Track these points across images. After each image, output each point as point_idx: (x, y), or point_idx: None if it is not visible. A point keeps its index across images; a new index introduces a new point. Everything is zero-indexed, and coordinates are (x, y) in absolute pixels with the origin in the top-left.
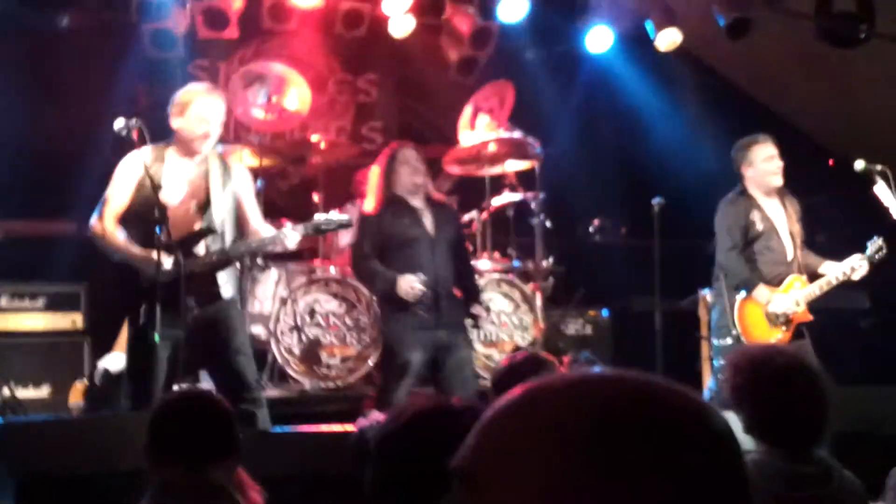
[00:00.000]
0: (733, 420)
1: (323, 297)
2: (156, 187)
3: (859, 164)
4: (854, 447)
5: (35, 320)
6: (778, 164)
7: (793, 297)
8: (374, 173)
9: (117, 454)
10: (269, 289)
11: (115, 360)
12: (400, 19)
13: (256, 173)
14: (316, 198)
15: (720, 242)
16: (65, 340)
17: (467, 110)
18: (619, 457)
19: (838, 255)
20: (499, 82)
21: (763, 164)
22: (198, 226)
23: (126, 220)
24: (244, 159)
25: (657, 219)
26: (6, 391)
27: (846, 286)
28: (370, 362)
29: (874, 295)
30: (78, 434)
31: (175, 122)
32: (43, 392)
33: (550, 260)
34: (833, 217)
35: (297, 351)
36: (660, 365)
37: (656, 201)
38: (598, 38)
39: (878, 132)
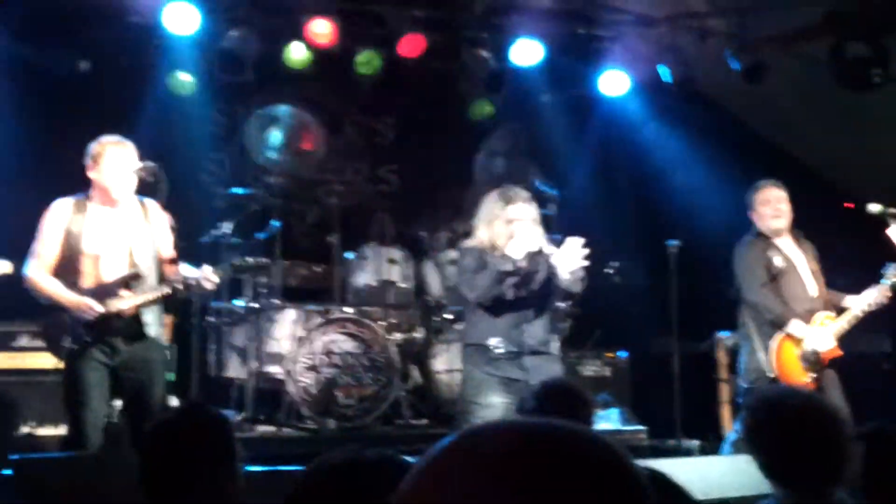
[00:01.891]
0: (751, 464)
1: (339, 338)
2: (77, 238)
3: (874, 207)
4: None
5: (53, 359)
6: (777, 209)
7: (825, 333)
8: None
9: (133, 491)
10: (286, 328)
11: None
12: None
13: (272, 215)
14: (332, 238)
15: (747, 282)
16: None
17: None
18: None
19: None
20: (511, 124)
21: (762, 207)
22: (123, 271)
23: (56, 269)
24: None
25: (674, 261)
26: (25, 429)
27: (868, 330)
28: (387, 402)
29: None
30: (92, 471)
31: (91, 174)
32: (61, 430)
33: (568, 302)
34: (849, 260)
35: (313, 391)
36: (677, 407)
37: (672, 244)
38: (614, 82)
39: (893, 175)
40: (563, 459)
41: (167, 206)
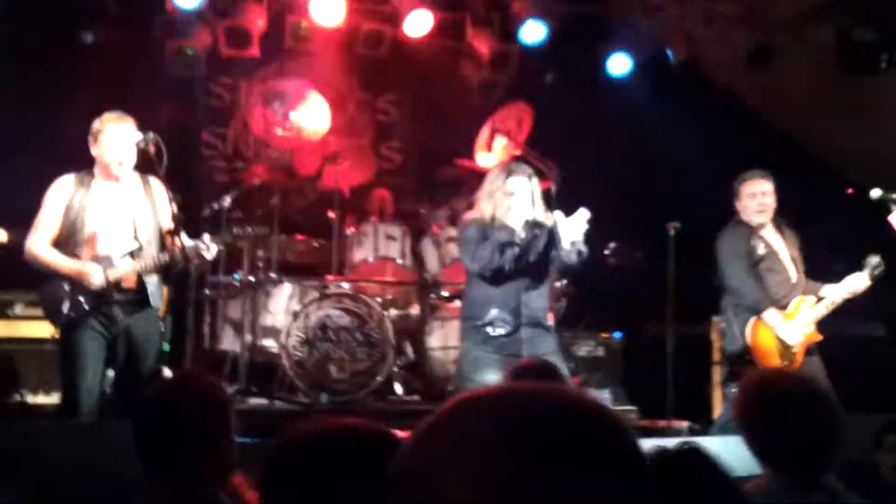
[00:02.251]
0: (741, 445)
1: (335, 313)
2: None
3: (876, 193)
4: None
5: (48, 328)
6: (762, 203)
7: (800, 321)
8: None
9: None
10: (281, 303)
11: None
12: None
13: (273, 190)
14: (332, 215)
15: (731, 267)
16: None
17: (485, 132)
18: (530, 465)
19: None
20: (517, 104)
21: (747, 199)
22: (125, 245)
23: (58, 242)
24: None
25: (672, 243)
26: (18, 397)
27: (861, 315)
28: (380, 378)
29: (889, 322)
30: (86, 440)
31: (92, 150)
32: (55, 399)
33: (564, 281)
34: (850, 245)
35: (307, 365)
36: (670, 389)
37: (672, 226)
38: (617, 64)
39: None
40: (554, 419)
41: (167, 179)
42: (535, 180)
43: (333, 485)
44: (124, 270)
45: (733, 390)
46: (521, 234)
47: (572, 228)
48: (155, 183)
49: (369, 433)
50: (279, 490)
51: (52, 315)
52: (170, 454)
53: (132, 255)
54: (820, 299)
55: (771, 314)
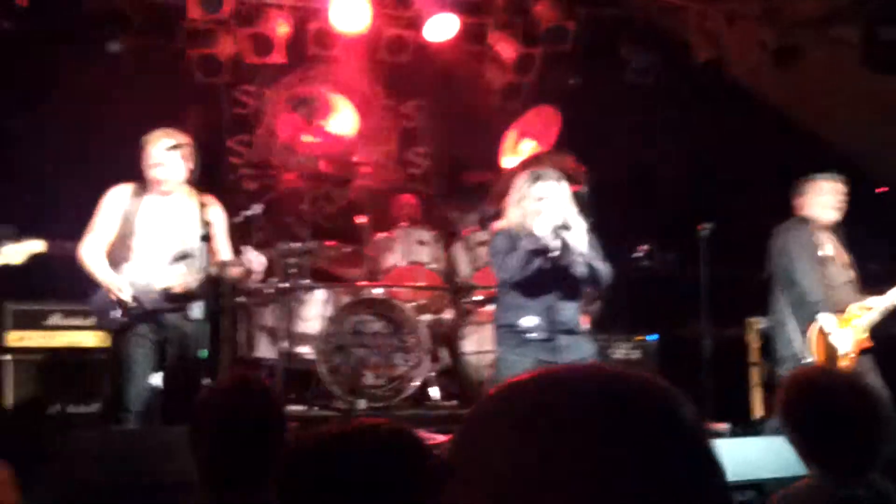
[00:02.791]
0: (785, 445)
1: (369, 318)
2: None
3: None
4: None
5: (85, 337)
6: (841, 202)
7: (853, 331)
8: None
9: (161, 467)
10: (315, 309)
11: (159, 377)
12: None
13: (302, 196)
14: (361, 220)
15: (797, 262)
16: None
17: (511, 135)
18: (582, 453)
19: (890, 283)
20: (543, 107)
21: (824, 197)
22: (174, 255)
23: (110, 248)
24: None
25: (705, 244)
26: (57, 407)
27: None
28: (415, 383)
29: None
30: (123, 446)
31: (143, 167)
32: (93, 408)
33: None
34: (881, 245)
35: (342, 371)
36: (707, 391)
37: (704, 227)
38: (641, 64)
39: None
40: (607, 399)
41: (197, 186)
42: (564, 183)
43: (351, 484)
44: (173, 279)
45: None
46: (549, 240)
47: (575, 241)
48: (210, 201)
49: (390, 433)
50: (294, 490)
51: (103, 322)
52: (225, 454)
53: (182, 264)
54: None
55: (828, 319)
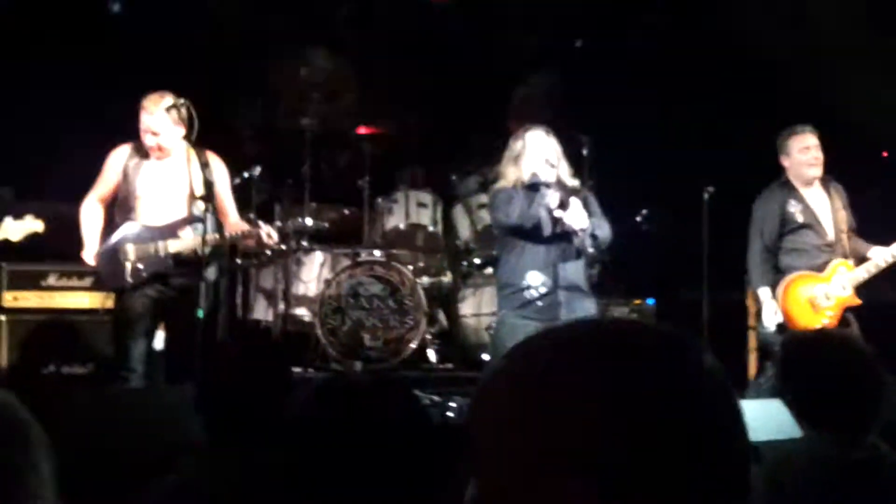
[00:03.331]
0: (781, 407)
1: (367, 280)
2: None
3: None
4: None
5: (81, 298)
6: (815, 156)
7: (837, 284)
8: None
9: (163, 427)
10: (313, 271)
11: (160, 339)
12: None
13: (304, 158)
14: (362, 182)
15: (750, 240)
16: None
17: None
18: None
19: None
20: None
21: (798, 154)
22: (182, 213)
23: (115, 205)
24: None
25: (707, 208)
26: (52, 368)
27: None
28: (413, 345)
29: None
30: (117, 408)
31: (141, 125)
32: (87, 369)
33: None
34: (885, 210)
35: (340, 333)
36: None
37: (706, 190)
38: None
39: None
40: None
41: (198, 144)
42: (552, 136)
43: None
44: (180, 244)
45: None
46: (543, 175)
47: (575, 218)
48: (212, 159)
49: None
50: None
51: (110, 282)
52: (233, 411)
53: (192, 228)
54: (863, 261)
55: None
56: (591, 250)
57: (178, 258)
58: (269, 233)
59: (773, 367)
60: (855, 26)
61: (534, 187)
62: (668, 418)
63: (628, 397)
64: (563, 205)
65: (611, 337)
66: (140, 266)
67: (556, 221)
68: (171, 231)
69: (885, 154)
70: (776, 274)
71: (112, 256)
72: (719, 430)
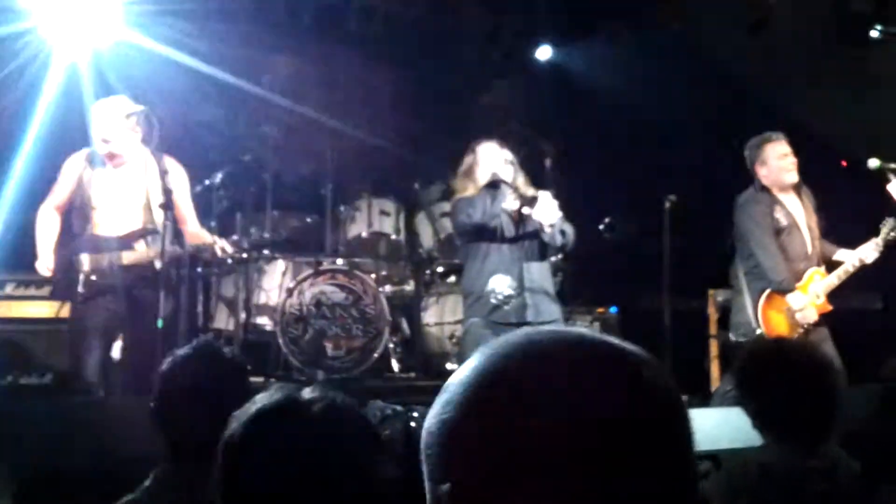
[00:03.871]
0: (741, 416)
1: (329, 289)
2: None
3: (873, 163)
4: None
5: (40, 308)
6: (791, 161)
7: (812, 294)
8: None
9: (121, 439)
10: (275, 280)
11: (117, 349)
12: None
13: (265, 166)
14: (324, 190)
15: (755, 240)
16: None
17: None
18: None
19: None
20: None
21: (777, 161)
22: (137, 224)
23: (70, 213)
24: None
25: (668, 216)
26: (9, 379)
27: (860, 287)
28: (376, 354)
29: (886, 295)
30: (81, 418)
31: (92, 134)
32: (46, 380)
33: (559, 256)
34: (849, 218)
35: (302, 342)
36: (668, 363)
37: (667, 198)
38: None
39: (892, 132)
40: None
41: (156, 151)
42: (506, 148)
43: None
44: (134, 255)
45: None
46: (501, 172)
47: (545, 212)
48: (172, 165)
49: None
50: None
51: (64, 292)
52: (190, 422)
53: (146, 240)
54: (833, 265)
55: (796, 297)
56: (559, 243)
57: (133, 269)
58: (223, 247)
59: (726, 376)
60: (816, 37)
61: (494, 185)
62: (620, 436)
63: (586, 415)
64: (532, 201)
65: (576, 353)
66: (94, 278)
67: (520, 221)
68: (126, 242)
69: (843, 163)
70: (761, 280)
71: (66, 267)
72: (669, 446)
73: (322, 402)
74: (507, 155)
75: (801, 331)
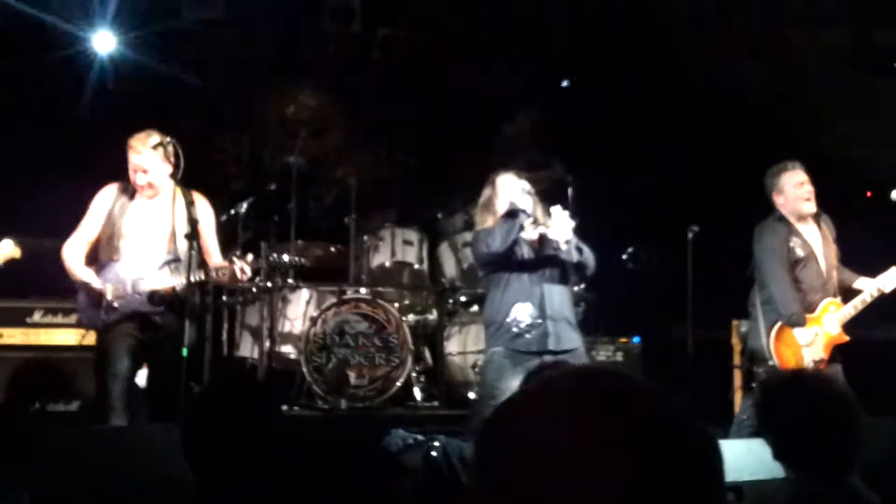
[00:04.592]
0: (764, 447)
1: (353, 318)
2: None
3: None
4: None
5: (67, 335)
6: (808, 190)
7: (827, 326)
8: None
9: (145, 466)
10: (299, 308)
11: (143, 377)
12: None
13: (290, 195)
14: (348, 219)
15: (768, 270)
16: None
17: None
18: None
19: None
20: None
21: (793, 190)
22: (162, 254)
23: (98, 247)
24: None
25: (691, 246)
26: (37, 406)
27: (883, 317)
28: (399, 383)
29: None
30: (107, 445)
31: (129, 164)
32: (73, 406)
33: (582, 286)
34: (870, 249)
35: (325, 371)
36: (690, 393)
37: (691, 229)
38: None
39: None
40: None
41: (184, 183)
42: (524, 179)
43: None
44: (159, 282)
45: (753, 386)
46: (519, 202)
47: (559, 228)
48: (198, 198)
49: None
50: None
51: (87, 320)
52: (220, 451)
53: (170, 268)
54: (850, 294)
55: (804, 332)
56: (576, 259)
57: (156, 297)
58: (241, 268)
59: (744, 404)
60: (837, 67)
61: (512, 214)
62: (648, 472)
63: (616, 449)
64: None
65: (601, 392)
66: (115, 305)
67: (541, 243)
68: (149, 270)
69: (868, 194)
70: (774, 312)
71: (88, 294)
72: (695, 484)
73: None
74: (525, 185)
75: (811, 365)
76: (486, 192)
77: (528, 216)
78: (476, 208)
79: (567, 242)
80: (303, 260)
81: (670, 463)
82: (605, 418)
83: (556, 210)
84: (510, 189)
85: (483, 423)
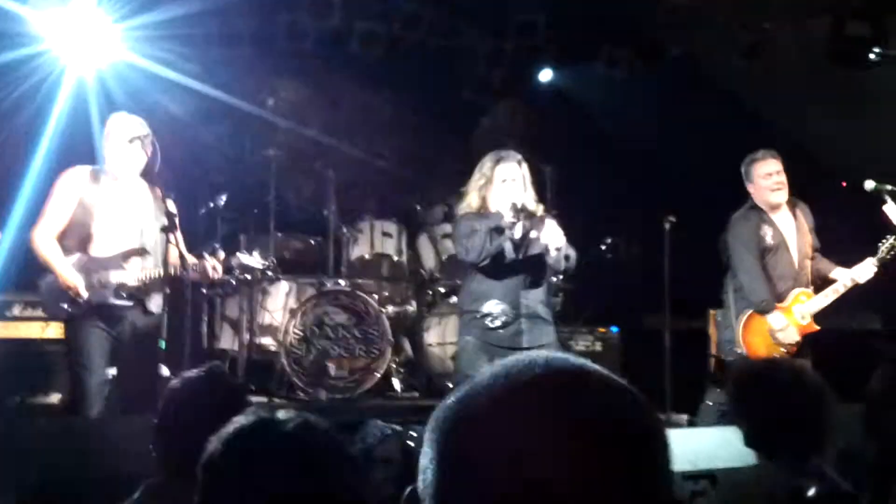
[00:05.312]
0: (735, 434)
1: (332, 310)
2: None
3: (869, 184)
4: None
5: (47, 329)
6: (777, 181)
7: (797, 315)
8: None
9: (119, 458)
10: (279, 300)
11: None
12: None
13: (269, 188)
14: (327, 212)
15: (738, 260)
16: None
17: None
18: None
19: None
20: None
21: (762, 180)
22: (131, 245)
23: (65, 234)
24: None
25: (668, 237)
26: (17, 399)
27: (859, 307)
28: (378, 374)
29: (886, 316)
30: (93, 437)
31: (104, 149)
32: (54, 399)
33: (560, 277)
34: (846, 240)
35: (305, 362)
36: (668, 382)
37: (667, 219)
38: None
39: (889, 154)
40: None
41: (160, 178)
42: (525, 165)
43: None
44: (128, 275)
45: (715, 373)
46: (508, 218)
47: (551, 236)
48: (167, 195)
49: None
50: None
51: (51, 311)
52: (191, 448)
53: (137, 257)
54: (827, 284)
55: (776, 317)
56: (563, 267)
57: (124, 289)
58: (214, 266)
59: (711, 390)
60: (814, 59)
61: (497, 230)
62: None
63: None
64: (539, 223)
65: (563, 392)
66: (86, 296)
67: (521, 245)
68: (117, 262)
69: (843, 184)
70: (745, 300)
71: (55, 285)
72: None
73: (295, 421)
74: (525, 174)
75: (782, 351)
76: (483, 173)
77: (512, 232)
78: (457, 197)
79: (557, 250)
80: (272, 263)
81: (615, 462)
82: (558, 421)
83: (550, 221)
84: (506, 191)
85: (445, 421)
